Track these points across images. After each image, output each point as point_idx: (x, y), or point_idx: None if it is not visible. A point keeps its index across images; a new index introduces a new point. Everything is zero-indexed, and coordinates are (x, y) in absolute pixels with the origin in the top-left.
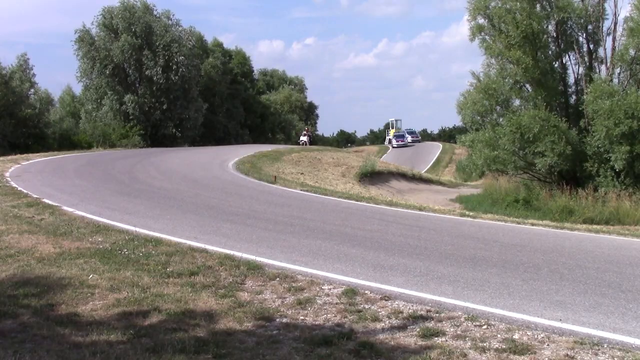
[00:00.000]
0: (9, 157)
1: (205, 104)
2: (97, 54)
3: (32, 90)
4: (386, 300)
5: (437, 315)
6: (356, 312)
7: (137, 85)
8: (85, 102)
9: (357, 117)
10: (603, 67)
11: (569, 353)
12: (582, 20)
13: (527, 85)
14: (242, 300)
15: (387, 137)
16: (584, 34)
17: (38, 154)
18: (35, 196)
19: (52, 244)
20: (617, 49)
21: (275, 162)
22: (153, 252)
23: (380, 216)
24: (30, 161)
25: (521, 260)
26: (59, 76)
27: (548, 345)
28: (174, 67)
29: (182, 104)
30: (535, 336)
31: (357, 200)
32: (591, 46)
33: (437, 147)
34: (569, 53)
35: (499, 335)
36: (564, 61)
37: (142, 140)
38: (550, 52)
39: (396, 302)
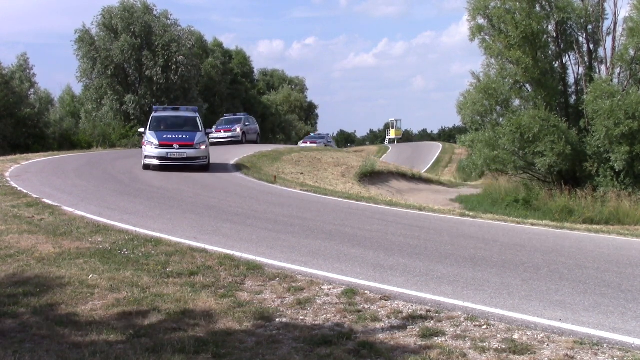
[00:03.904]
0: (9, 157)
1: (206, 104)
2: (97, 54)
3: (32, 90)
4: (386, 300)
5: (436, 315)
6: (356, 312)
7: (138, 85)
8: (85, 102)
9: (357, 117)
10: (603, 67)
11: (568, 353)
12: (582, 20)
13: (527, 85)
14: (242, 300)
15: (387, 137)
16: (584, 34)
17: (38, 154)
18: (35, 196)
19: (52, 244)
20: (617, 49)
21: (275, 162)
22: (153, 252)
23: (380, 216)
24: (30, 161)
25: (521, 260)
26: (59, 76)
27: (548, 345)
28: (174, 67)
29: (183, 104)
30: (535, 336)
31: (357, 200)
32: (591, 46)
33: (437, 147)
34: (569, 53)
35: (498, 335)
36: (564, 61)
37: None
38: (550, 52)
39: (396, 302)
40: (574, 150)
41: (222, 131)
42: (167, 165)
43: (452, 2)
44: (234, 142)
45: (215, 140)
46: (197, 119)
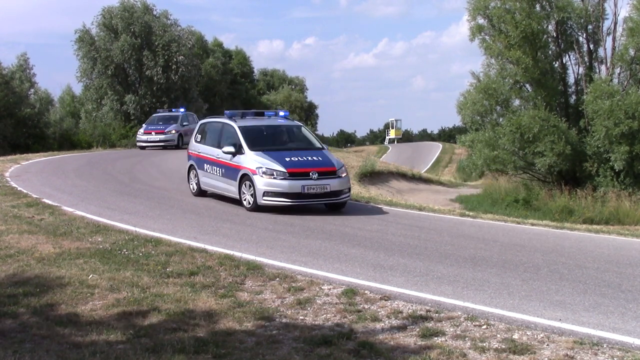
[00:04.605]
0: (9, 157)
1: (206, 104)
2: (97, 54)
3: (32, 90)
4: (386, 300)
5: (436, 315)
6: (356, 312)
7: (138, 85)
8: (85, 102)
9: (357, 117)
10: (603, 67)
11: (568, 353)
12: (582, 20)
13: (527, 85)
14: (242, 300)
15: (387, 137)
16: (584, 34)
17: (38, 154)
18: (35, 196)
19: (52, 244)
20: (617, 49)
21: None
22: (153, 252)
23: (380, 216)
24: (30, 161)
25: (521, 260)
26: (59, 76)
27: (548, 345)
28: (174, 67)
29: (183, 104)
30: (535, 336)
31: (356, 200)
32: (591, 46)
33: (437, 147)
34: (569, 53)
35: (498, 335)
36: (564, 61)
37: None
38: (550, 52)
39: (396, 302)
40: (574, 150)
41: (152, 132)
42: (303, 205)
43: (452, 2)
44: (168, 146)
45: (143, 144)
46: (304, 128)
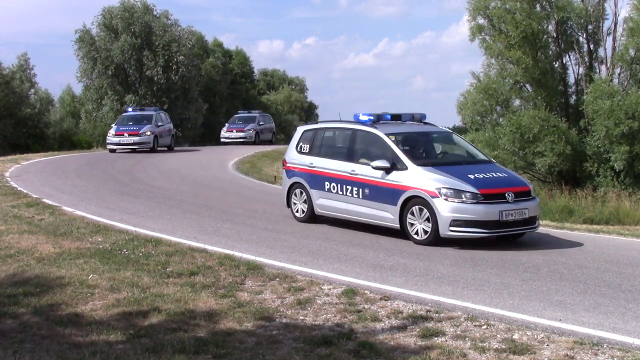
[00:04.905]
0: (9, 157)
1: (206, 104)
2: (98, 54)
3: (33, 90)
4: (386, 300)
5: (436, 315)
6: (356, 312)
7: (138, 85)
8: (86, 102)
9: None
10: (603, 67)
11: (568, 353)
12: (582, 20)
13: (527, 85)
14: (242, 300)
15: None
16: (584, 34)
17: (38, 154)
18: (35, 196)
19: (52, 244)
20: (617, 49)
21: (275, 162)
22: (153, 252)
23: None
24: (30, 161)
25: (521, 260)
26: (59, 76)
27: (548, 345)
28: (174, 67)
29: (183, 104)
30: (535, 336)
31: None
32: (591, 46)
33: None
34: (569, 53)
35: (498, 335)
36: (564, 61)
37: None
38: (550, 52)
39: (396, 302)
40: (574, 150)
41: (125, 134)
42: (498, 237)
43: (452, 2)
44: (143, 149)
45: (114, 147)
46: (455, 135)
